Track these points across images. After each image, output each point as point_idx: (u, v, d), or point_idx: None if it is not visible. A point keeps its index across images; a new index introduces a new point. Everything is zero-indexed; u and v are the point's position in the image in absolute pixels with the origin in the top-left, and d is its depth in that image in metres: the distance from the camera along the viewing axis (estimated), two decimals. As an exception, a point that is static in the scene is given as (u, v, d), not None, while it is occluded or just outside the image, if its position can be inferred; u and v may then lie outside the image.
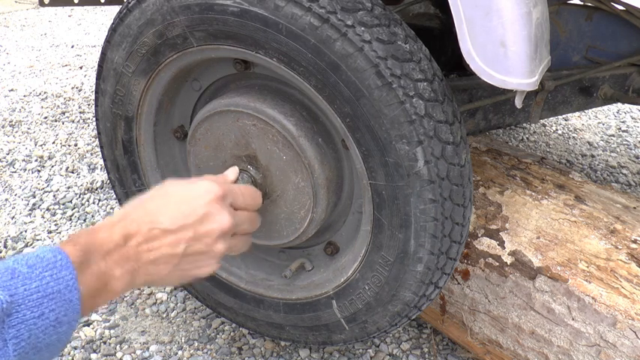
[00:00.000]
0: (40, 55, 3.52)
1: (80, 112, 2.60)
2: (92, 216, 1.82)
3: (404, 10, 1.43)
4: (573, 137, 2.37)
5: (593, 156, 2.22)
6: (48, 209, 1.84)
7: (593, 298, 0.97)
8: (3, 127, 2.44)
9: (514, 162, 1.31)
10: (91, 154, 2.20)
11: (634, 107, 2.62)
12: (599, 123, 2.50)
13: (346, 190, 1.03)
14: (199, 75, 1.07)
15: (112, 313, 1.41)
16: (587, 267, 1.01)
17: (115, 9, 4.04)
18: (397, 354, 1.29)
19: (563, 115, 2.28)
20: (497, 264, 1.09)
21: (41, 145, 2.28)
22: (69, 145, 2.28)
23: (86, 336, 1.33)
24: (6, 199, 1.90)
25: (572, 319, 1.00)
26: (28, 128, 2.43)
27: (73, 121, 2.50)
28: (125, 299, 1.45)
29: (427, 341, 1.32)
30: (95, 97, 1.12)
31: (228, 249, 0.79)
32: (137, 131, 1.11)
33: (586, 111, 2.57)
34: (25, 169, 2.09)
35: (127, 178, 1.18)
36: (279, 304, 1.12)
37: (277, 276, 1.13)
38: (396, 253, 0.92)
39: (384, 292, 0.97)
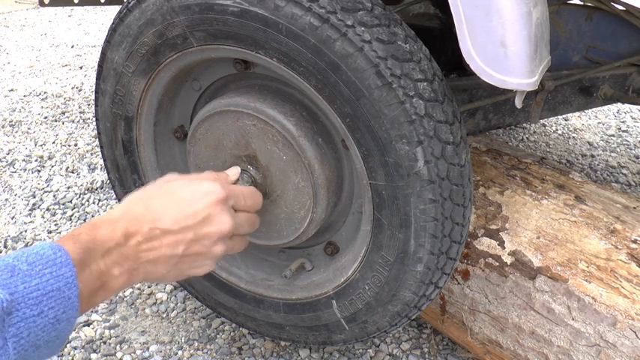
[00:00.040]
0: (40, 55, 3.52)
1: (80, 112, 2.60)
2: (92, 216, 1.82)
3: (404, 10, 1.43)
4: (573, 137, 2.37)
5: (593, 156, 2.22)
6: (48, 209, 1.84)
7: (593, 298, 0.97)
8: (3, 127, 2.44)
9: (514, 162, 1.31)
10: (91, 154, 2.20)
11: (634, 107, 2.62)
12: (599, 123, 2.50)
13: (346, 190, 1.03)
14: (199, 75, 1.07)
15: (112, 313, 1.41)
16: (587, 267, 1.01)
17: (115, 9, 4.04)
18: (397, 354, 1.29)
19: (563, 115, 2.28)
20: (497, 264, 1.09)
21: (41, 145, 2.28)
22: (69, 145, 2.28)
23: (86, 336, 1.33)
24: (6, 199, 1.90)
25: (572, 319, 1.00)
26: (28, 128, 2.43)
27: (73, 121, 2.50)
28: (125, 299, 1.45)
29: (427, 341, 1.32)
30: (95, 97, 1.12)
31: (226, 250, 0.79)
32: (137, 131, 1.11)
33: (586, 111, 2.57)
34: (25, 169, 2.09)
35: (127, 178, 1.18)
36: (279, 304, 1.12)
37: (277, 276, 1.13)
38: (396, 253, 0.92)
39: (384, 292, 0.97)
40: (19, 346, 0.52)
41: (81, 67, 3.27)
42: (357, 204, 1.02)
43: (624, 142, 2.33)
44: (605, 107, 2.64)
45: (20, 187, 1.98)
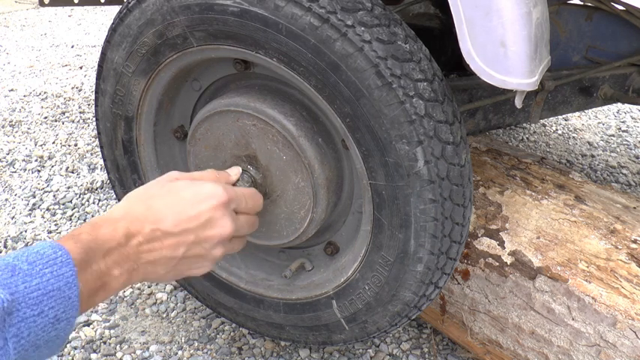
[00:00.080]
0: (40, 55, 3.52)
1: (80, 112, 2.60)
2: (92, 216, 1.82)
3: (404, 10, 1.43)
4: (573, 137, 2.37)
5: (593, 156, 2.22)
6: (48, 209, 1.84)
7: (593, 298, 0.97)
8: (3, 127, 2.44)
9: (514, 162, 1.31)
10: (91, 154, 2.20)
11: (634, 107, 2.62)
12: (599, 123, 2.50)
13: (346, 190, 1.03)
14: (199, 75, 1.07)
15: (112, 313, 1.41)
16: (587, 267, 1.01)
17: (115, 9, 4.04)
18: (397, 354, 1.29)
19: (563, 115, 2.28)
20: (497, 264, 1.09)
21: (41, 145, 2.28)
22: (69, 145, 2.28)
23: (86, 336, 1.33)
24: (6, 199, 1.90)
25: (572, 319, 1.00)
26: (28, 128, 2.43)
27: (73, 121, 2.50)
28: (125, 299, 1.45)
29: (427, 341, 1.32)
30: (95, 97, 1.12)
31: (225, 252, 0.79)
32: (137, 131, 1.11)
33: (586, 111, 2.57)
34: (25, 169, 2.09)
35: (127, 178, 1.18)
36: (279, 304, 1.12)
37: (277, 276, 1.13)
38: (396, 253, 0.92)
39: (384, 292, 0.97)
40: (20, 346, 0.52)
41: (81, 67, 3.27)
42: (357, 204, 1.02)
43: (624, 142, 2.33)
44: (605, 107, 2.64)
45: (20, 187, 1.98)
